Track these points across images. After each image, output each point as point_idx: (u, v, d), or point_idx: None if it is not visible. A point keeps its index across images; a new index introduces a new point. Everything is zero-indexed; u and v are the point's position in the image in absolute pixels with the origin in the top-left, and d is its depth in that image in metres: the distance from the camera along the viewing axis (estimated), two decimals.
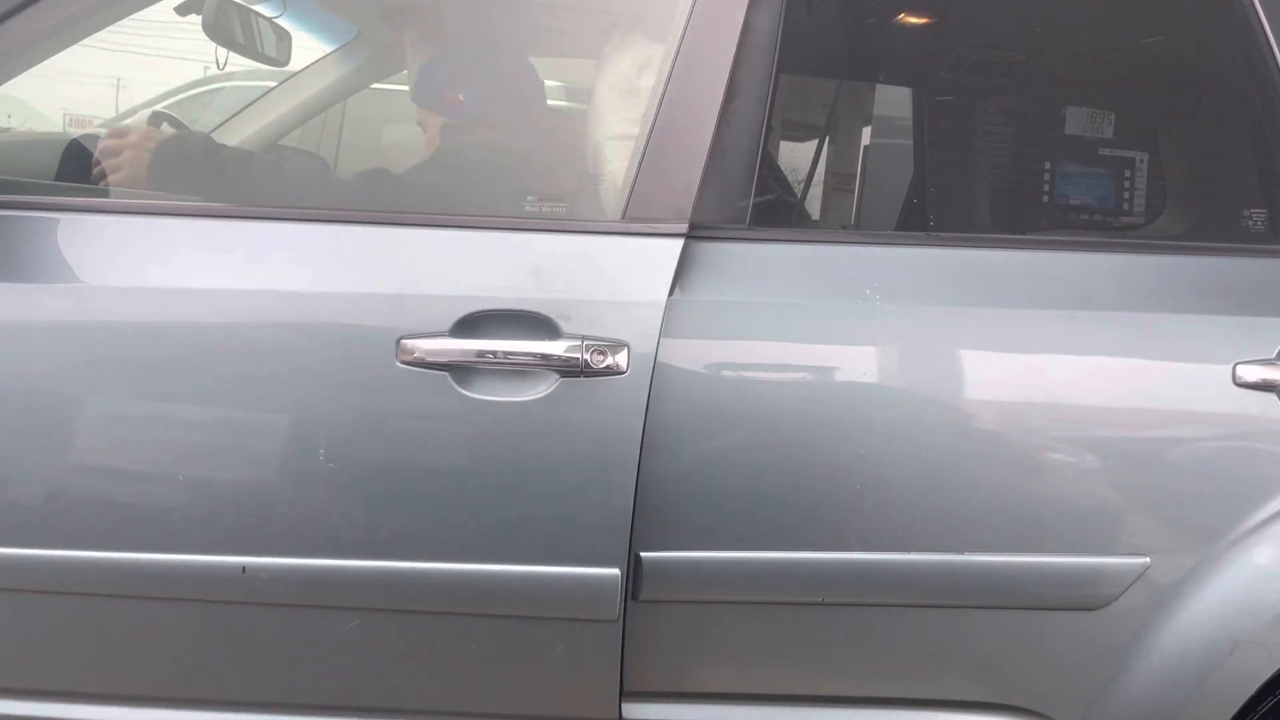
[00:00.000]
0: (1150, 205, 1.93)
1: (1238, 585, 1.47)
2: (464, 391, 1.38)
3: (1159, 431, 1.48)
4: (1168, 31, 1.79)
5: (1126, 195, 1.93)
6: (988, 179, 2.13)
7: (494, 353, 1.38)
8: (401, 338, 1.37)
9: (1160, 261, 1.55)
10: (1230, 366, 1.46)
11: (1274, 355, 1.47)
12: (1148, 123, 2.01)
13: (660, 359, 1.40)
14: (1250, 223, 1.66)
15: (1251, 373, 1.46)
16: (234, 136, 2.38)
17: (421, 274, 1.42)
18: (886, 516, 1.46)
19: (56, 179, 1.73)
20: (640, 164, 1.48)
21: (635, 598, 1.44)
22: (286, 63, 2.41)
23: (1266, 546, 1.47)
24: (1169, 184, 1.94)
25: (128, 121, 1.93)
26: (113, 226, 1.45)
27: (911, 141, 2.21)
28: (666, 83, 1.50)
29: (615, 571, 1.41)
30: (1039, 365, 1.48)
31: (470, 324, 1.39)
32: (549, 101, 2.89)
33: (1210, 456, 1.48)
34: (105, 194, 1.71)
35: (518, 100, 2.04)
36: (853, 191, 2.59)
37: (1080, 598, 1.49)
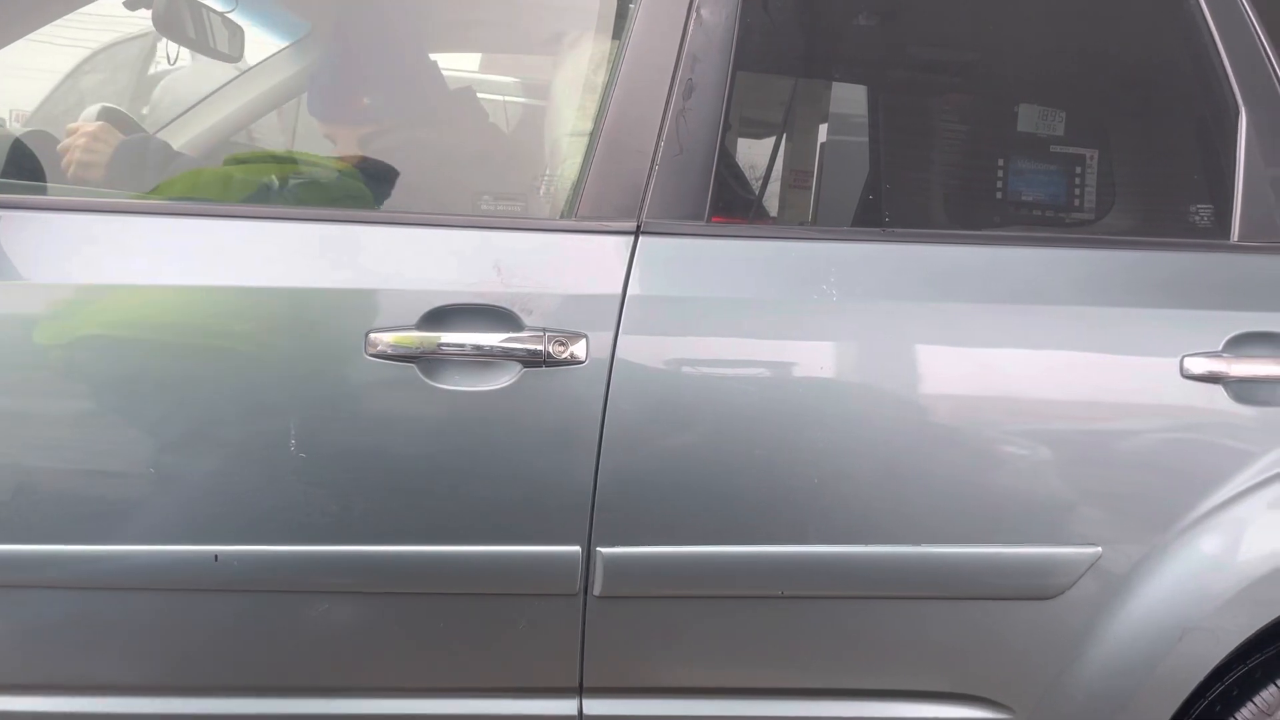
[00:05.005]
0: (1100, 201, 1.97)
1: (1186, 574, 1.50)
2: (431, 382, 1.40)
3: (1109, 424, 1.51)
4: (1117, 30, 1.82)
5: (1077, 191, 1.96)
6: (942, 176, 2.16)
7: (459, 344, 1.40)
8: (369, 331, 1.39)
9: (1110, 256, 1.58)
10: (1178, 359, 1.49)
11: (1220, 348, 1.50)
12: (1098, 120, 2.05)
13: (619, 354, 1.42)
14: (1197, 218, 1.69)
15: (1198, 365, 1.49)
16: (186, 133, 2.35)
17: (388, 270, 1.44)
18: (845, 509, 1.47)
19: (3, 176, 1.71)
20: (590, 162, 1.50)
21: (595, 594, 1.45)
22: (239, 58, 2.38)
23: (1213, 535, 1.50)
24: (1118, 180, 1.97)
25: (82, 118, 1.90)
26: (74, 224, 1.45)
27: (867, 139, 2.23)
28: (614, 81, 1.51)
29: (576, 549, 1.44)
30: (993, 359, 1.50)
31: (436, 317, 1.41)
32: (512, 99, 2.89)
33: (1159, 448, 1.51)
34: (67, 192, 1.71)
35: (431, 96, 2.03)
36: (810, 188, 2.61)
37: (1034, 587, 1.51)
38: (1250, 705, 1.55)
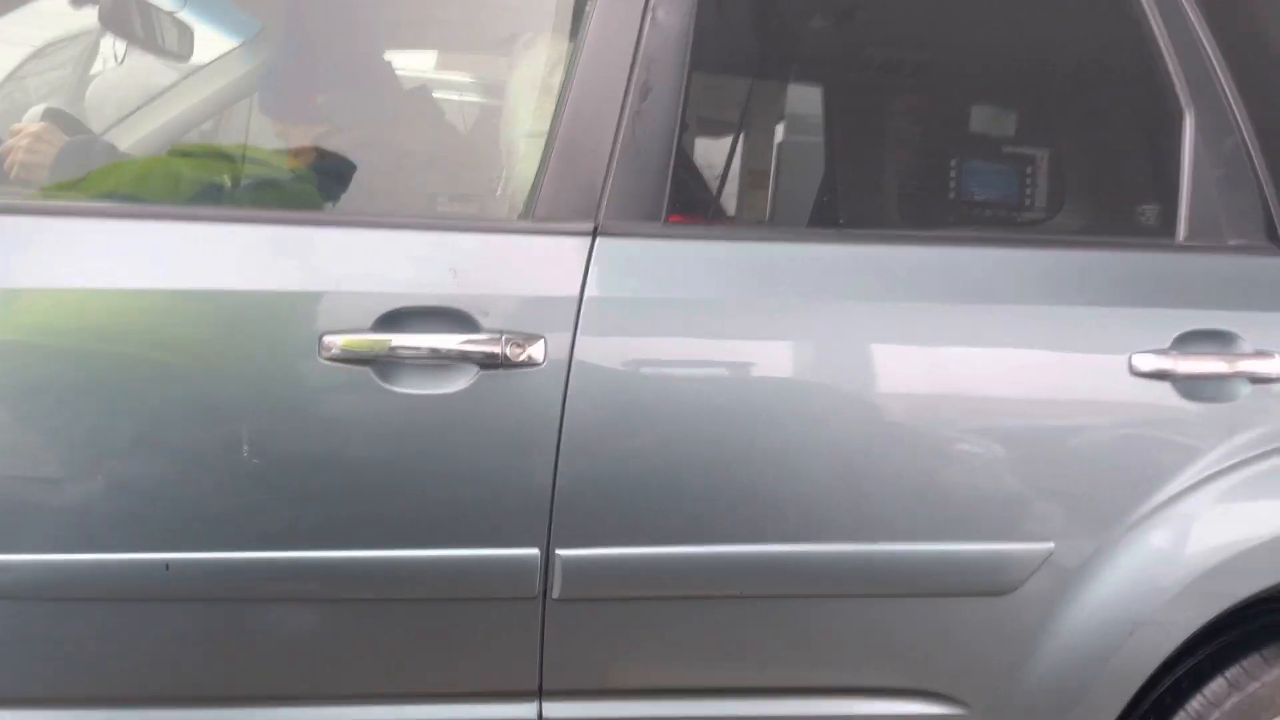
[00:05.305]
0: (1051, 201, 1.99)
1: (1136, 568, 1.53)
2: (387, 385, 1.38)
3: (1061, 421, 1.53)
4: (1067, 32, 1.84)
5: (1029, 191, 1.99)
6: (896, 175, 2.18)
7: (415, 347, 1.39)
8: (323, 334, 1.37)
9: (1061, 256, 1.60)
10: (1127, 357, 1.52)
11: (1168, 345, 1.53)
12: (1048, 121, 2.08)
13: (577, 355, 1.41)
14: (1144, 218, 1.72)
15: (1147, 363, 1.51)
16: (133, 135, 2.31)
17: (342, 272, 1.42)
18: (803, 509, 1.48)
19: None
20: (547, 163, 1.49)
21: (554, 596, 1.45)
22: (188, 58, 2.34)
23: (1162, 530, 1.52)
24: (1068, 180, 2.00)
25: (25, 118, 1.86)
26: (21, 227, 1.41)
27: (823, 139, 2.25)
28: (570, 82, 1.51)
29: (535, 551, 1.43)
30: (947, 359, 1.51)
31: (392, 320, 1.39)
32: (469, 98, 2.87)
33: (1109, 444, 1.53)
34: (10, 194, 1.67)
35: (386, 95, 2.02)
36: (767, 188, 2.62)
37: (988, 583, 1.53)
38: (1199, 697, 1.58)
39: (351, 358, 1.37)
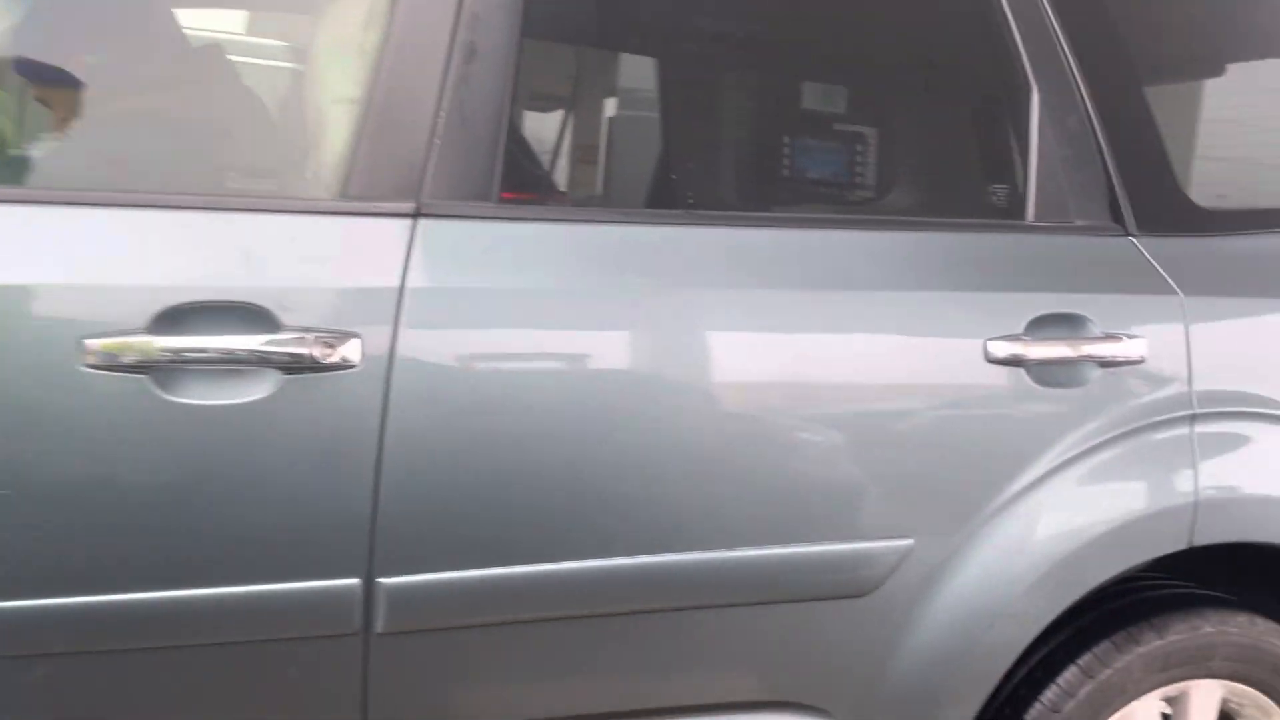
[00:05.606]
0: (882, 180, 1.95)
1: (995, 559, 1.49)
2: (167, 396, 1.18)
3: (919, 412, 1.48)
4: (905, 6, 1.78)
5: (860, 170, 1.94)
6: (731, 151, 2.09)
7: (201, 350, 1.19)
8: (85, 337, 1.15)
9: (914, 239, 1.54)
10: (981, 343, 1.47)
11: (1021, 330, 1.49)
12: (882, 98, 2.03)
13: (399, 354, 1.25)
14: (995, 199, 1.68)
15: (1001, 349, 1.47)
16: None
17: (108, 263, 1.21)
18: (653, 516, 1.37)
19: None
20: (360, 135, 1.31)
21: (378, 631, 1.28)
22: None
23: (1018, 520, 1.50)
24: (902, 159, 1.96)
25: None
26: None
27: (657, 113, 2.14)
28: (387, 40, 1.33)
29: (354, 581, 1.26)
30: (800, 348, 1.43)
31: (172, 319, 1.19)
32: (282, 64, 2.61)
33: (967, 435, 1.49)
34: None
35: (169, 53, 1.77)
36: (597, 163, 2.51)
37: (847, 584, 1.46)
38: (1053, 687, 1.56)
39: (119, 364, 1.16)
